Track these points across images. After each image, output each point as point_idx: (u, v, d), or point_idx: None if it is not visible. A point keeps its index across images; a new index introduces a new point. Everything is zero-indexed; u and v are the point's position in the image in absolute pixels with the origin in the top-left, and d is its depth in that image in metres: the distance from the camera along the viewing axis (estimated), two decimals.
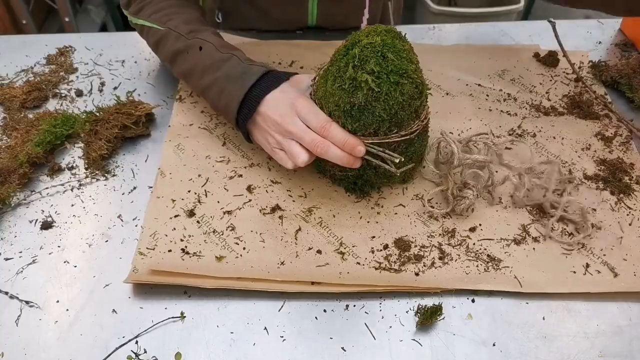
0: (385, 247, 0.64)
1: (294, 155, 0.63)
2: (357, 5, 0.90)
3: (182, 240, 0.63)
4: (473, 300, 0.60)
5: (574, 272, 0.62)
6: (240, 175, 0.71)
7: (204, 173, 0.71)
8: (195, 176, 0.70)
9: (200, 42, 0.72)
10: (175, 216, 0.66)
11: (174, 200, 0.68)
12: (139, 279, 0.59)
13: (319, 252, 0.63)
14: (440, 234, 0.65)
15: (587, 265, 0.63)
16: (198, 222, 0.65)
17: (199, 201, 0.68)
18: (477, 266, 0.62)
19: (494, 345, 0.57)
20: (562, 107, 0.83)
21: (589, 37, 0.98)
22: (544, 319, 0.59)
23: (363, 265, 0.62)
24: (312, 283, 0.60)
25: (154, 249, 0.62)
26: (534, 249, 0.64)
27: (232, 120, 0.68)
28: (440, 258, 0.63)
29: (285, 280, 0.60)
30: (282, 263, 0.62)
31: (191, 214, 0.66)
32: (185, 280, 0.60)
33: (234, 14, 0.95)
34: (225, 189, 0.69)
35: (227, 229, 0.65)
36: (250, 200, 0.68)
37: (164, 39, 0.75)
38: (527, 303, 0.60)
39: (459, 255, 0.63)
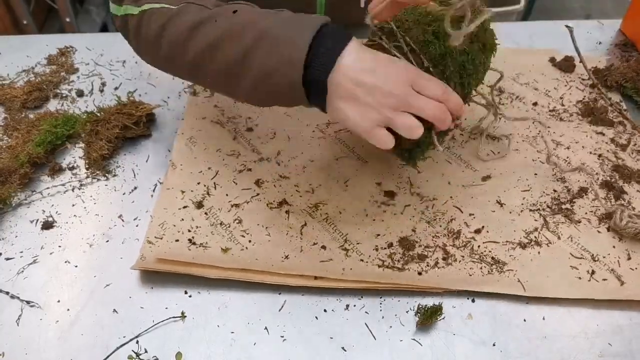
0: (390, 245, 0.64)
1: (412, 129, 0.52)
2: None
3: (189, 230, 0.64)
4: (473, 300, 0.60)
5: (579, 277, 0.61)
6: (250, 169, 0.72)
7: (214, 166, 0.72)
8: (205, 169, 0.71)
9: (233, 6, 0.56)
10: (184, 207, 0.67)
11: (183, 192, 0.69)
12: (146, 266, 0.61)
13: (323, 247, 0.63)
14: (445, 235, 0.65)
15: (593, 272, 0.62)
16: (206, 213, 0.66)
17: (207, 193, 0.69)
18: (481, 268, 0.62)
19: (494, 345, 0.57)
20: (576, 112, 0.82)
21: (589, 38, 0.98)
22: (544, 319, 0.59)
23: (366, 262, 0.62)
24: (315, 278, 0.60)
25: (161, 238, 0.63)
26: (539, 253, 0.64)
27: (296, 82, 0.50)
28: (444, 259, 0.63)
29: (289, 273, 0.60)
30: (287, 257, 0.62)
31: (200, 205, 0.67)
32: (190, 269, 0.60)
33: None
34: (234, 182, 0.70)
35: (234, 222, 0.66)
36: (258, 195, 0.69)
37: (176, 16, 0.58)
38: (527, 303, 0.60)
39: (463, 256, 0.63)
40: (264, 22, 0.53)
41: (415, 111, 0.52)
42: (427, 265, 0.62)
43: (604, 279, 0.61)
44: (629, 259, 0.63)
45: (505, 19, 1.90)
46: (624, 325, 0.58)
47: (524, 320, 0.59)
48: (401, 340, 0.57)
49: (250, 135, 0.76)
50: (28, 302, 0.59)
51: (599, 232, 0.66)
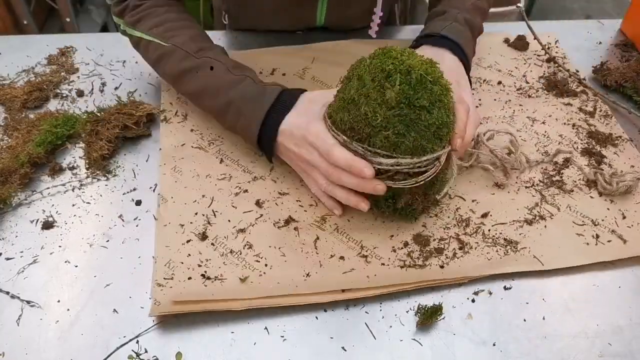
0: (406, 244, 0.64)
1: (317, 183, 0.65)
2: (365, 7, 0.90)
3: (199, 265, 0.61)
4: (473, 301, 0.60)
5: (587, 243, 0.65)
6: (246, 191, 0.69)
7: (207, 193, 0.68)
8: (199, 197, 0.68)
9: (210, 61, 0.70)
10: (188, 241, 0.64)
11: (182, 225, 0.65)
12: (163, 311, 0.57)
13: (341, 258, 0.62)
14: (454, 225, 0.66)
15: (597, 236, 0.66)
16: (212, 244, 0.63)
17: (208, 222, 0.66)
18: (497, 251, 0.64)
19: (494, 345, 0.57)
20: (541, 87, 0.86)
21: (589, 38, 0.99)
22: (544, 319, 0.59)
23: (388, 265, 0.62)
24: (343, 291, 0.59)
25: (172, 279, 0.60)
26: (545, 227, 0.66)
27: (253, 143, 0.68)
28: (460, 248, 0.64)
29: (315, 292, 0.59)
30: (308, 275, 0.61)
31: (203, 236, 0.64)
32: (213, 305, 0.58)
33: (241, 15, 0.95)
34: (233, 206, 0.67)
35: (244, 248, 0.63)
36: (261, 215, 0.67)
37: (167, 55, 0.73)
38: (527, 303, 0.60)
39: (477, 243, 0.64)
40: (231, 93, 0.68)
41: (316, 167, 0.64)
42: (447, 258, 0.63)
43: (609, 241, 0.65)
44: (624, 218, 0.68)
45: (505, 18, 1.90)
46: (623, 326, 0.59)
47: (524, 320, 0.59)
48: (401, 340, 0.57)
49: (238, 156, 0.73)
50: (28, 302, 0.60)
51: (591, 197, 0.70)
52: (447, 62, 0.73)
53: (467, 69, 0.75)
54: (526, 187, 0.71)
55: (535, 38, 0.92)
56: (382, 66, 0.57)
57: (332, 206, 0.66)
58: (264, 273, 0.61)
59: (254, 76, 0.70)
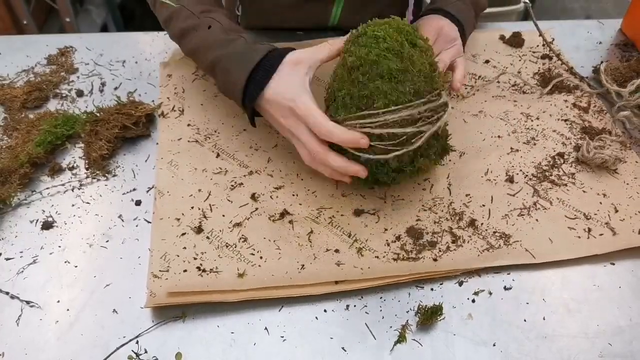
0: (399, 237, 0.64)
1: (300, 153, 0.65)
2: (380, 8, 0.90)
3: (195, 258, 0.62)
4: (473, 301, 0.60)
5: (579, 237, 0.65)
6: (242, 184, 0.70)
7: (203, 187, 0.69)
8: (195, 191, 0.69)
9: (209, 21, 0.73)
10: (183, 234, 0.64)
11: (178, 219, 0.66)
12: (159, 302, 0.58)
13: (336, 251, 0.63)
14: (448, 219, 0.67)
15: (589, 230, 0.66)
16: (208, 237, 0.64)
17: (204, 216, 0.66)
18: (489, 244, 0.64)
19: (494, 345, 0.57)
20: (536, 84, 0.87)
21: (589, 37, 0.99)
22: (544, 319, 0.59)
23: (382, 258, 0.62)
24: (336, 283, 0.60)
25: (167, 271, 0.61)
26: (537, 220, 0.67)
27: (238, 101, 0.68)
28: (453, 242, 0.64)
29: (309, 283, 0.60)
30: (303, 267, 0.61)
31: (199, 230, 0.65)
32: (208, 297, 0.58)
33: (254, 9, 0.95)
34: (228, 200, 0.68)
35: (239, 241, 0.64)
36: (257, 209, 0.67)
37: (175, 15, 0.77)
38: (527, 303, 0.60)
39: (470, 236, 0.65)
40: (221, 51, 0.70)
41: (302, 141, 0.64)
42: (440, 251, 0.63)
43: (601, 234, 0.66)
44: (617, 211, 0.68)
45: (505, 18, 1.90)
46: (624, 326, 0.59)
47: (524, 321, 0.59)
48: (401, 340, 0.57)
49: (234, 150, 0.74)
50: (28, 302, 0.59)
51: (584, 191, 0.71)
52: (446, 28, 0.76)
53: (464, 43, 0.79)
54: (518, 181, 0.71)
55: (540, 35, 0.92)
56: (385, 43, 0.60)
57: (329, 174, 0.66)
58: (259, 266, 0.61)
59: (249, 38, 0.71)
